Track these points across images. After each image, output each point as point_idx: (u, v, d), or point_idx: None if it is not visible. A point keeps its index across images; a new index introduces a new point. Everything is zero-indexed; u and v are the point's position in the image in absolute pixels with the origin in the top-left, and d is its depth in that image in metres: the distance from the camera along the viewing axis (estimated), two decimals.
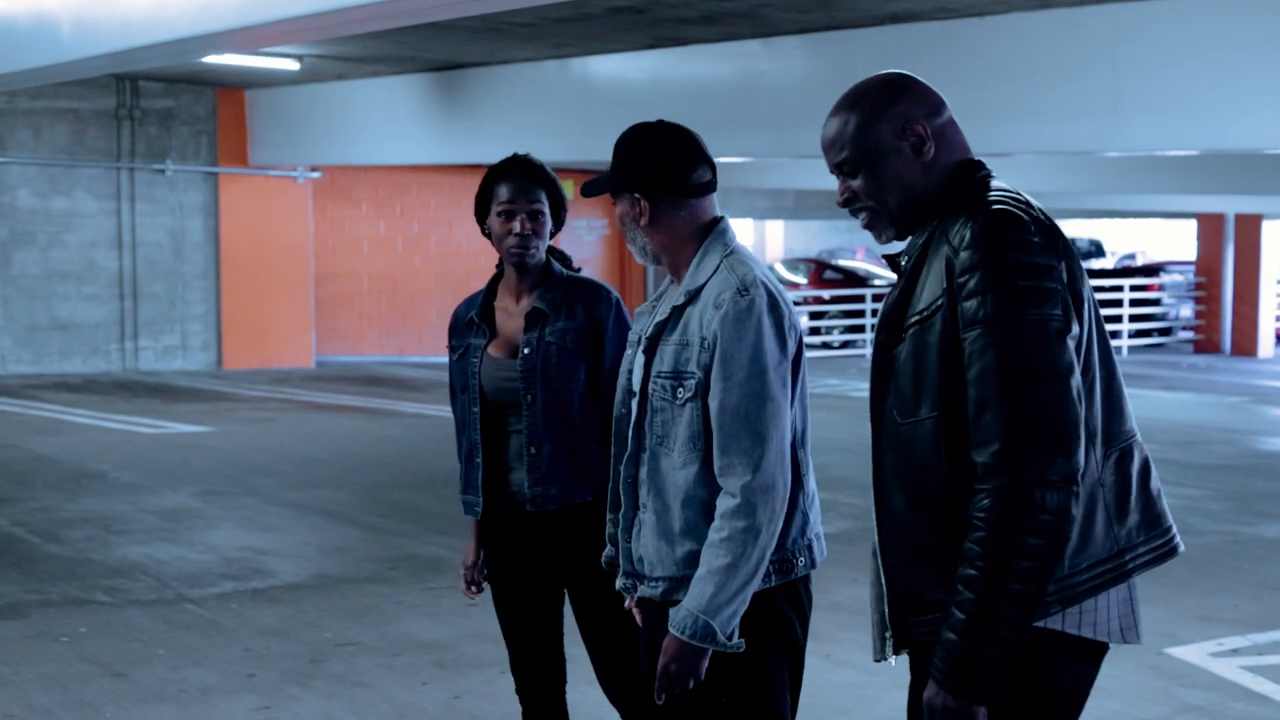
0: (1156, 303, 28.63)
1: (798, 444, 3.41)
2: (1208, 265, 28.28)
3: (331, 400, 17.30)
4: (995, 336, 2.63)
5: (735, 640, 3.28)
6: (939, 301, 2.72)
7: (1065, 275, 2.68)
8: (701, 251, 3.44)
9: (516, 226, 4.14)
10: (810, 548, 3.44)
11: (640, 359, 3.48)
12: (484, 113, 16.85)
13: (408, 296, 23.04)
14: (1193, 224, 30.10)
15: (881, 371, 2.84)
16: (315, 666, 6.67)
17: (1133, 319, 27.91)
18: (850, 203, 2.93)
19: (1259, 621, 7.69)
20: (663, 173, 3.45)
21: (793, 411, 3.37)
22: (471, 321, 4.29)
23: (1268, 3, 10.30)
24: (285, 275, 21.00)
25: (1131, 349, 27.42)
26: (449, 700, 6.22)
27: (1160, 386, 20.64)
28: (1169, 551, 2.88)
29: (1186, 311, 28.76)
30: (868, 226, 2.94)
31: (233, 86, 19.99)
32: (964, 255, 2.69)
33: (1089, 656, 2.80)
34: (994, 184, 2.84)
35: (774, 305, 3.33)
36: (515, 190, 4.15)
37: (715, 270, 3.39)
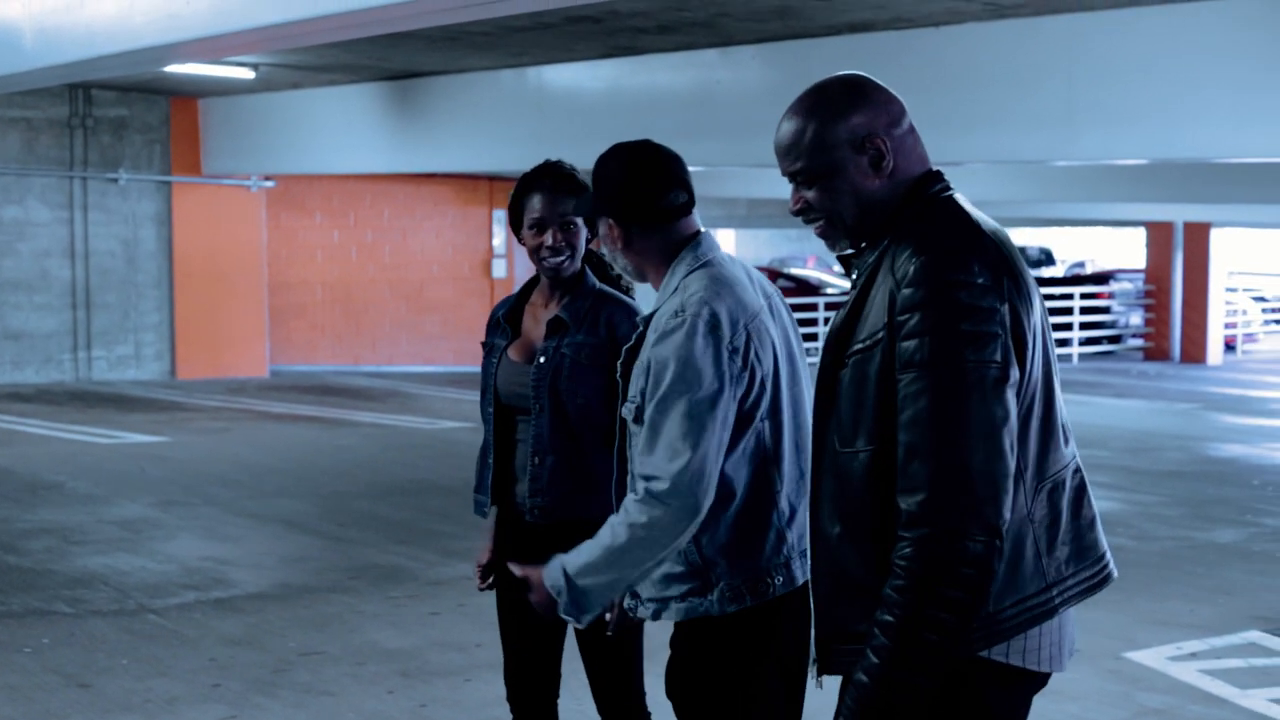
0: (1106, 310, 28.83)
1: (769, 461, 3.39)
2: (1157, 273, 28.50)
3: (287, 410, 17.25)
4: (930, 382, 2.57)
5: (579, 620, 3.37)
6: (880, 335, 2.66)
7: (1009, 317, 2.61)
8: (669, 273, 3.44)
9: (548, 239, 4.08)
10: (788, 565, 3.41)
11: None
12: (440, 121, 16.83)
13: (362, 305, 22.96)
14: (1142, 232, 30.33)
15: (825, 393, 2.78)
16: (280, 676, 6.67)
17: (1083, 326, 28.10)
18: (804, 213, 2.85)
19: (1215, 625, 7.79)
20: (634, 198, 3.44)
21: (760, 427, 3.36)
22: (498, 322, 4.27)
23: (1218, 18, 10.42)
24: (239, 284, 20.90)
25: (1081, 357, 27.61)
26: (415, 708, 6.23)
27: (1110, 394, 20.81)
28: (1100, 582, 2.83)
29: (1136, 319, 28.97)
30: (822, 236, 2.86)
31: (187, 95, 19.90)
32: (905, 292, 2.62)
33: (1022, 683, 2.77)
34: (955, 202, 2.78)
35: (714, 327, 3.29)
36: (546, 202, 4.08)
37: (673, 292, 3.39)
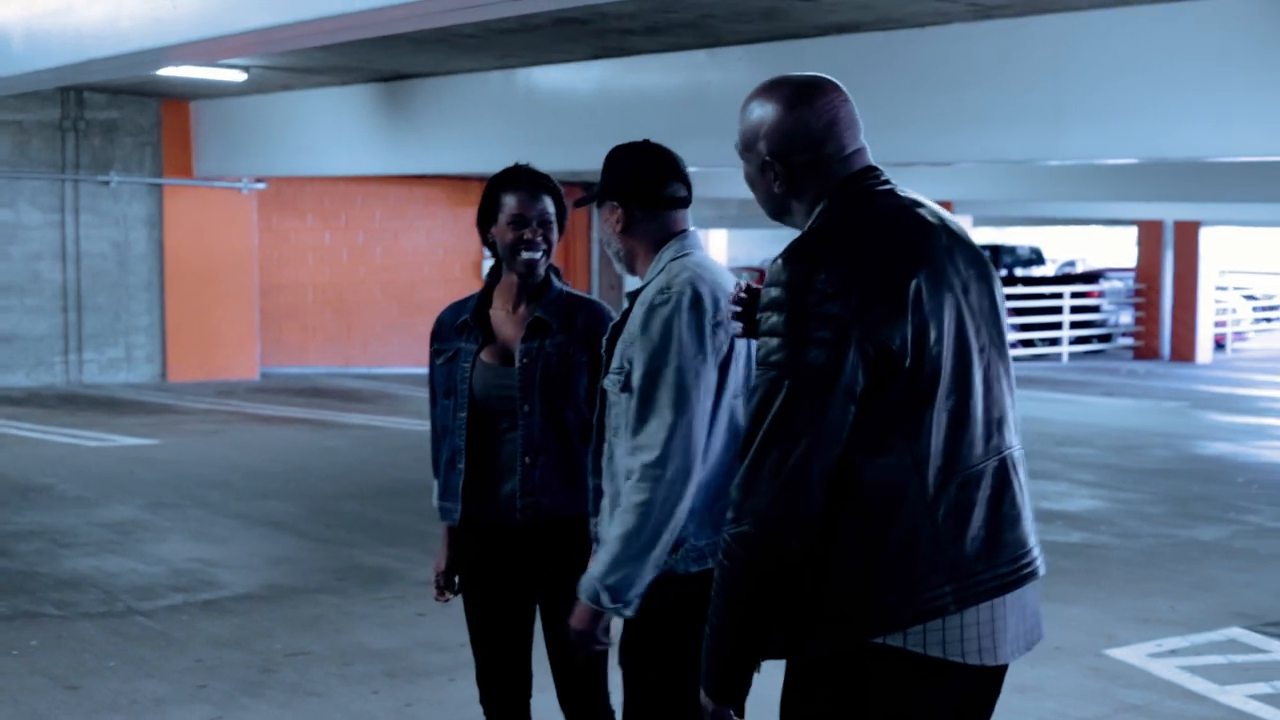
0: (1096, 309, 28.90)
1: (739, 435, 3.50)
2: (1147, 272, 28.56)
3: (277, 412, 17.28)
4: (761, 380, 2.70)
5: (626, 608, 3.50)
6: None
7: (858, 324, 2.64)
8: (656, 258, 3.67)
9: (527, 235, 4.15)
10: None
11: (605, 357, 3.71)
12: (429, 123, 16.87)
13: (353, 307, 23.00)
14: (1132, 231, 30.38)
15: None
16: (267, 676, 6.70)
17: (1073, 325, 28.17)
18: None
19: (1196, 622, 7.84)
20: (639, 184, 3.68)
21: (734, 403, 3.56)
22: (465, 325, 4.27)
23: (1205, 18, 10.46)
24: (230, 287, 20.93)
25: (1072, 355, 27.68)
26: (400, 708, 6.27)
27: (1099, 392, 20.87)
28: (1017, 580, 2.80)
29: (1126, 318, 29.02)
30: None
31: (178, 98, 19.93)
32: (764, 291, 2.76)
33: (939, 673, 2.73)
34: (869, 199, 2.82)
35: (696, 303, 3.51)
36: (525, 200, 4.16)
37: (659, 272, 3.62)
